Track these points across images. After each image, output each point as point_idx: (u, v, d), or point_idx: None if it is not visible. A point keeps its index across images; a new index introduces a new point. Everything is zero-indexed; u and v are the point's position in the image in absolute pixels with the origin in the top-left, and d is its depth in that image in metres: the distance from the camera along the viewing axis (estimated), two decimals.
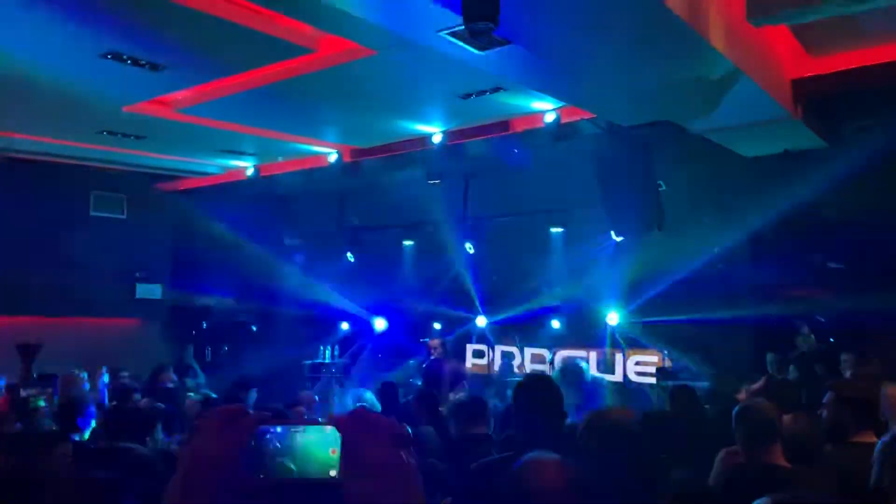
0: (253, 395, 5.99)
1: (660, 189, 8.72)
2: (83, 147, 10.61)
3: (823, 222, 8.96)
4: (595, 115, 8.14)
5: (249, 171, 11.66)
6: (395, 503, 0.91)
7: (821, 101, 7.78)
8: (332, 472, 0.94)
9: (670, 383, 10.00)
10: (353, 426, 0.95)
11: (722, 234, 10.07)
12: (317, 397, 6.25)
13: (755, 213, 9.41)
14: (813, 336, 9.86)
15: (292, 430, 0.96)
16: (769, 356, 9.29)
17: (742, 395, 6.77)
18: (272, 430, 0.95)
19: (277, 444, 0.95)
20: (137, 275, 12.60)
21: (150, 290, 12.68)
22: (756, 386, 6.74)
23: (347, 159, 10.59)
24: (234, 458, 0.93)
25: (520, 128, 8.94)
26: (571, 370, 5.90)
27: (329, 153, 10.60)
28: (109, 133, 9.75)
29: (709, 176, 9.37)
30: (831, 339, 9.86)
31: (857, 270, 8.90)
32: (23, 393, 9.06)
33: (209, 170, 12.09)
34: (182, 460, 0.94)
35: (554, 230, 10.32)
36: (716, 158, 8.58)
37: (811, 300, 10.18)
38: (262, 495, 0.93)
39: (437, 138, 9.38)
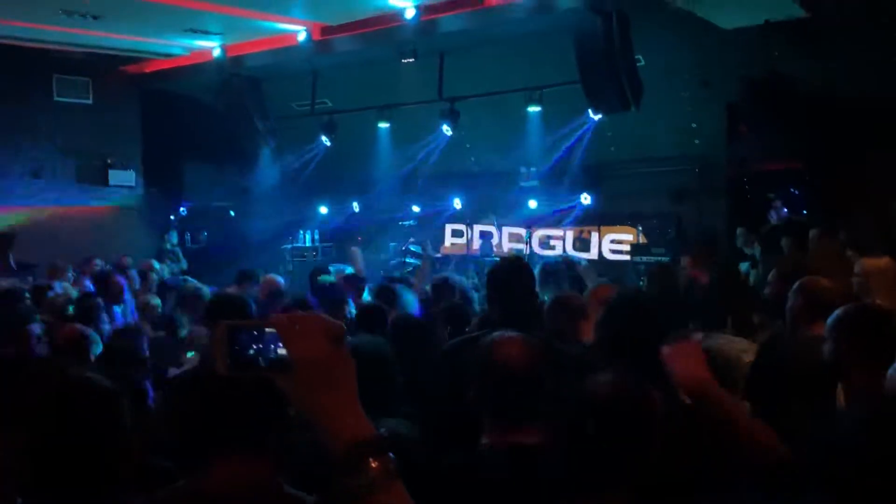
0: (255, 289, 6.07)
1: (638, 64, 8.56)
2: (41, 28, 10.13)
3: (801, 95, 8.88)
4: None
5: (216, 52, 11.23)
6: (329, 390, 1.02)
7: None
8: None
9: (645, 259, 10.23)
10: (289, 325, 1.03)
11: (700, 109, 10.00)
12: (281, 280, 6.34)
13: (733, 87, 9.30)
14: (785, 209, 9.99)
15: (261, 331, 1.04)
16: (738, 230, 9.39)
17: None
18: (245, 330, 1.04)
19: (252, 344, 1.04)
20: (109, 161, 12.32)
21: (123, 177, 12.43)
22: None
23: (317, 37, 10.21)
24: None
25: (494, 1, 8.64)
26: (552, 271, 5.74)
27: (298, 31, 10.22)
28: (66, 13, 9.30)
29: (688, 50, 9.19)
30: (804, 212, 10.00)
31: (834, 143, 8.90)
32: (3, 283, 9.08)
33: (174, 51, 11.61)
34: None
35: (531, 109, 10.15)
36: (695, 32, 8.38)
37: (787, 173, 10.26)
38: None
39: (409, 13, 9.04)
